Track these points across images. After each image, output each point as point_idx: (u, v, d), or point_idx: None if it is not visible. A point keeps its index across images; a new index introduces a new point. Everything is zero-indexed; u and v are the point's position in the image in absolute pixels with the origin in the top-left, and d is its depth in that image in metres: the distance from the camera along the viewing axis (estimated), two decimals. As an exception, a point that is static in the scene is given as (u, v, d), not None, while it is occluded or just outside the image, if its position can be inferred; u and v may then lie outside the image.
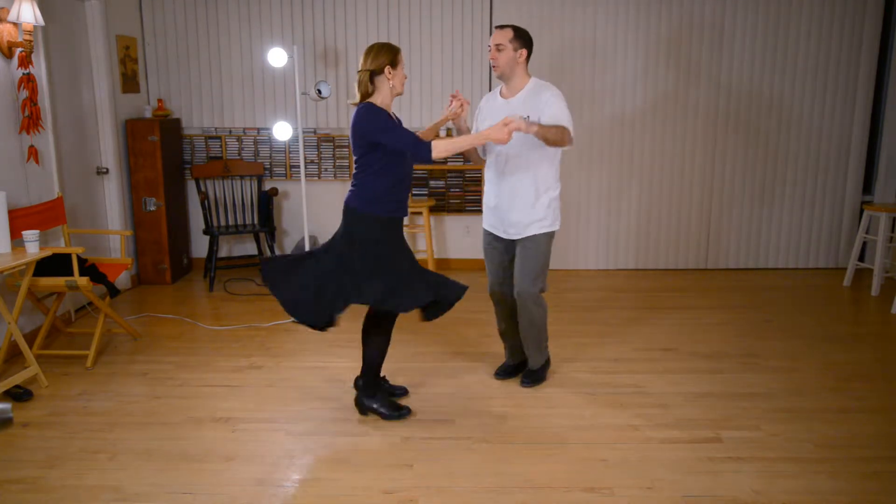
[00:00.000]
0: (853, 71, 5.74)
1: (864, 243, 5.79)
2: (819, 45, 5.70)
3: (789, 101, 5.80)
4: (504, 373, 3.76)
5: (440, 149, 3.02)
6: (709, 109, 5.81)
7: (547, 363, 3.75)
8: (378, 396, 3.32)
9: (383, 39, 5.71)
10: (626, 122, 5.82)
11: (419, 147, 3.02)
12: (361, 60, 3.08)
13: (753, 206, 5.98)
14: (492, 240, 3.58)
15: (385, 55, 3.06)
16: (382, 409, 3.30)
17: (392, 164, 3.07)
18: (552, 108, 3.27)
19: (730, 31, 5.68)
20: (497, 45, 3.29)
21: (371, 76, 3.06)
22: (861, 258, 5.79)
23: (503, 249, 3.55)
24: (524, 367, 3.76)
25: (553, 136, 3.17)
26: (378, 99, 3.09)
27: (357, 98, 3.11)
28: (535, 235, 3.41)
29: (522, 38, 3.31)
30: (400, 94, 3.14)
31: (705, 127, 5.84)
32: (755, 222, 6.01)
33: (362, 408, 3.33)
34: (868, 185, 5.99)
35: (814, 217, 6.01)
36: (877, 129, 5.88)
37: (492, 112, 3.41)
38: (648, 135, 5.84)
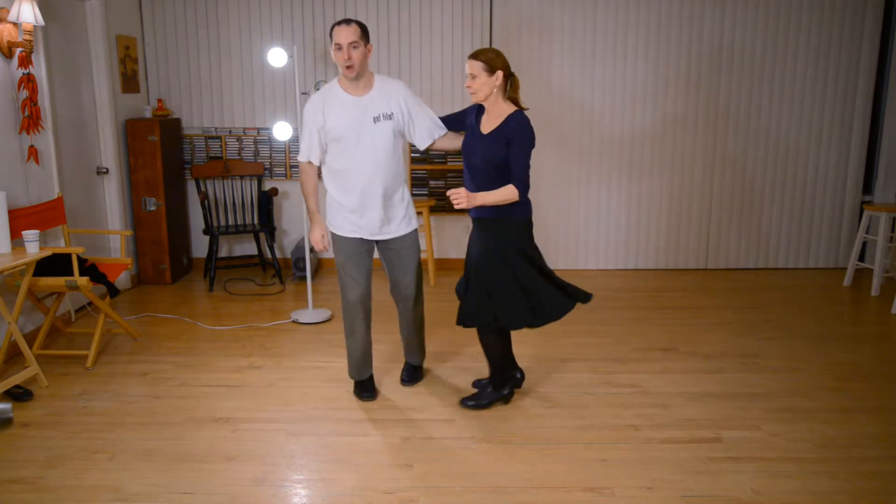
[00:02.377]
0: (853, 71, 5.74)
1: (864, 243, 5.79)
2: (819, 45, 5.70)
3: (789, 101, 5.79)
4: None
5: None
6: (708, 109, 5.80)
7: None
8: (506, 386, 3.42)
9: (382, 40, 5.75)
10: (626, 122, 5.82)
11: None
12: (503, 60, 3.00)
13: (753, 206, 5.97)
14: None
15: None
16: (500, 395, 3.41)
17: None
18: (412, 100, 3.23)
19: (729, 32, 5.68)
20: (351, 42, 3.05)
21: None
22: (861, 258, 5.79)
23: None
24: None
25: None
26: None
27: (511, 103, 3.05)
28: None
29: (367, 35, 3.14)
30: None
31: (705, 126, 5.84)
32: (755, 222, 6.01)
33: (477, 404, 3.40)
34: (868, 185, 5.99)
35: (814, 217, 6.01)
36: (877, 129, 5.88)
37: (345, 109, 3.15)
38: (648, 135, 5.84)
